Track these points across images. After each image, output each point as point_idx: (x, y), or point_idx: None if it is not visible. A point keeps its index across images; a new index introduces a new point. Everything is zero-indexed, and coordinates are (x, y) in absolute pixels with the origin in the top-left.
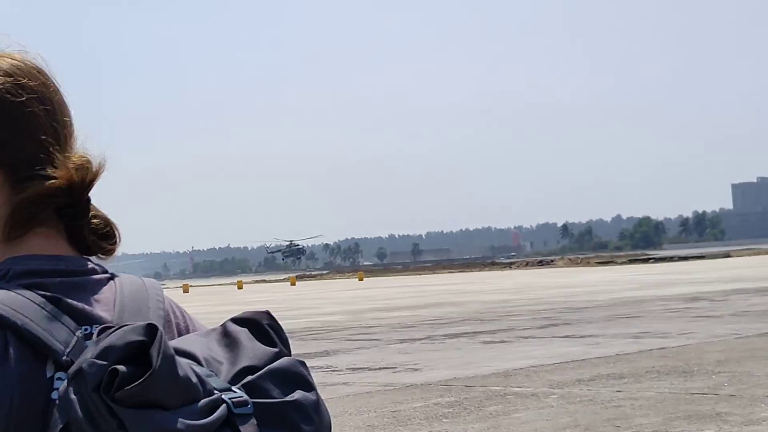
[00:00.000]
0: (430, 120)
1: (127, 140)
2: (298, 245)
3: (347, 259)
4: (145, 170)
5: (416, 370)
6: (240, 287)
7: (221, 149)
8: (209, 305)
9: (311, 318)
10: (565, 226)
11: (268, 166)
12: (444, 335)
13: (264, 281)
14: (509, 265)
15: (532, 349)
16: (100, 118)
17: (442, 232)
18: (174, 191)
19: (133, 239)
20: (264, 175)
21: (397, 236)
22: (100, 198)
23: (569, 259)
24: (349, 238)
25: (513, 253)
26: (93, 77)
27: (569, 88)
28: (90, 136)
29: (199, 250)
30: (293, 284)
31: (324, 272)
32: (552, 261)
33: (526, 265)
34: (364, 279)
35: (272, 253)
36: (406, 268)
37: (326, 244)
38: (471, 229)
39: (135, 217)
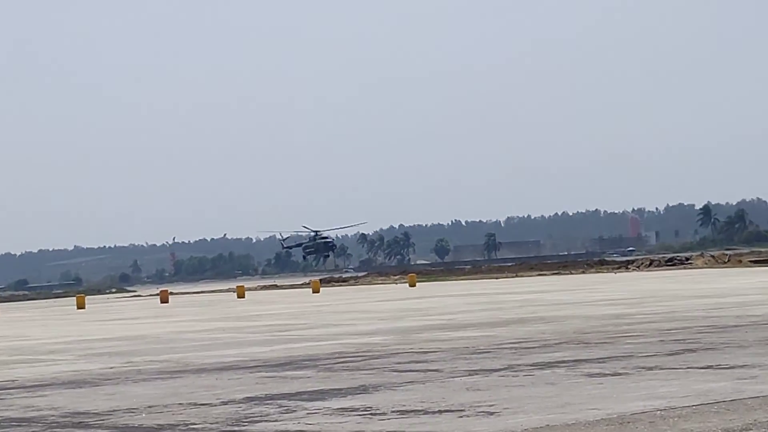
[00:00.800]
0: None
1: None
2: (326, 237)
3: (392, 255)
4: (104, 132)
5: (492, 414)
6: (241, 295)
7: (215, 94)
8: (195, 321)
9: (342, 339)
10: (706, 209)
11: (278, 124)
12: (531, 365)
13: (275, 286)
14: (625, 265)
15: (659, 386)
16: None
17: (527, 217)
18: (148, 161)
19: (92, 228)
20: (273, 139)
21: (463, 223)
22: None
23: (712, 257)
24: (395, 225)
25: (631, 248)
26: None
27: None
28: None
29: (182, 242)
30: (316, 291)
31: (359, 274)
32: (687, 259)
33: (650, 264)
34: (417, 284)
35: (288, 248)
36: (477, 269)
37: (362, 234)
38: (570, 214)
39: (94, 198)
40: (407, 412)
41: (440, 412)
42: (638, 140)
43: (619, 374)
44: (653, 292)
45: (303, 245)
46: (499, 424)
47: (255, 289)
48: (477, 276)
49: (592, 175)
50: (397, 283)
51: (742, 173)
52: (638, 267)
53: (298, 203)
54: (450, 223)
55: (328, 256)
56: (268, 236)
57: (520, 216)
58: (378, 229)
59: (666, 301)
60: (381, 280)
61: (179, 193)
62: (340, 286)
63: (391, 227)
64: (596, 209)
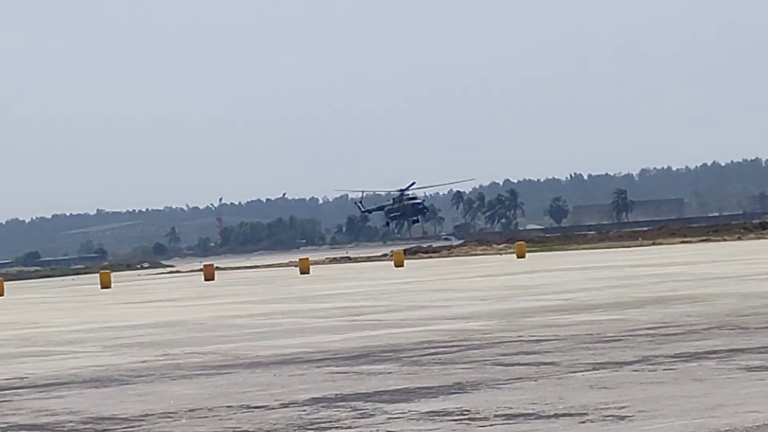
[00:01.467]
0: None
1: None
2: (415, 198)
3: (496, 219)
4: (133, 80)
5: (623, 418)
6: (304, 270)
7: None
8: (248, 303)
9: (432, 324)
10: None
11: (348, 61)
12: (673, 356)
13: (347, 259)
14: None
15: None
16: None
17: (667, 169)
18: (186, 101)
19: (118, 187)
20: (345, 74)
21: (585, 177)
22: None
23: None
24: (499, 181)
25: None
26: None
27: None
28: None
29: (231, 204)
30: (399, 264)
31: (453, 243)
32: None
33: None
34: (527, 255)
35: (368, 211)
36: (603, 235)
37: (457, 192)
38: (722, 164)
39: (120, 151)
40: (514, 416)
41: (556, 416)
42: None
43: None
44: None
45: (386, 208)
46: (631, 431)
47: (322, 262)
48: (603, 244)
49: (750, 113)
50: (501, 254)
51: None
52: None
53: (376, 154)
54: (568, 178)
55: (417, 221)
56: (339, 196)
57: (658, 168)
58: (477, 186)
59: None
60: (481, 249)
61: (226, 143)
62: (430, 258)
63: (494, 183)
64: (756, 158)
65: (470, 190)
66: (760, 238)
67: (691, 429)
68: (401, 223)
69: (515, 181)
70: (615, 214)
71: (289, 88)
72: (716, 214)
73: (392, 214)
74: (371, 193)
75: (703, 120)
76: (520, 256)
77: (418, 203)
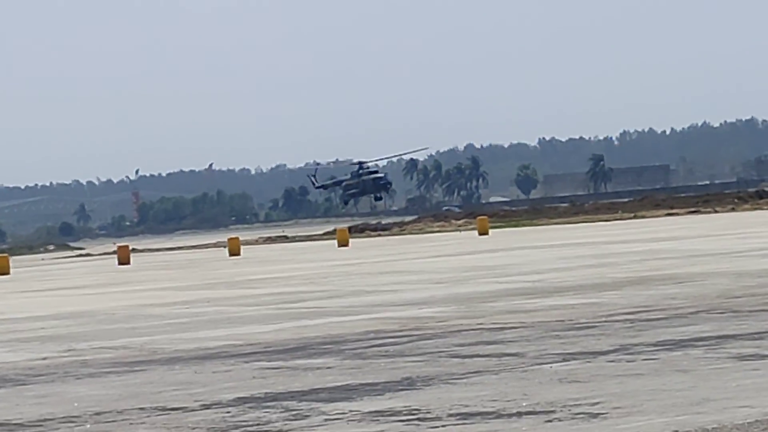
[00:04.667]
0: None
1: None
2: (375, 171)
3: (455, 190)
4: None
5: (595, 416)
6: (234, 252)
7: None
8: (168, 290)
9: (379, 312)
10: None
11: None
12: (655, 344)
13: (284, 238)
14: None
15: None
16: None
17: (650, 132)
18: (96, 62)
19: (16, 158)
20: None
21: (555, 142)
22: None
23: None
24: (459, 148)
25: None
26: None
27: None
28: None
29: (150, 176)
30: (343, 243)
31: (405, 219)
32: None
33: None
34: (490, 231)
35: (323, 186)
36: (578, 208)
37: (411, 160)
38: (713, 126)
39: (18, 114)
40: (471, 415)
41: (519, 414)
42: None
43: None
44: None
45: (343, 183)
46: (605, 430)
47: (255, 242)
48: (577, 218)
49: (743, 69)
50: (461, 231)
51: None
52: None
53: (318, 121)
54: (538, 143)
55: (380, 197)
56: (274, 166)
57: (640, 130)
58: (434, 153)
59: None
60: (438, 226)
61: (143, 108)
62: (379, 236)
63: (454, 150)
64: (751, 117)
65: (425, 157)
66: (756, 208)
67: (673, 427)
68: (358, 200)
69: (478, 146)
70: (591, 184)
71: (221, 48)
72: (707, 182)
73: (350, 191)
74: (324, 164)
75: (691, 76)
76: (483, 232)
77: (380, 178)
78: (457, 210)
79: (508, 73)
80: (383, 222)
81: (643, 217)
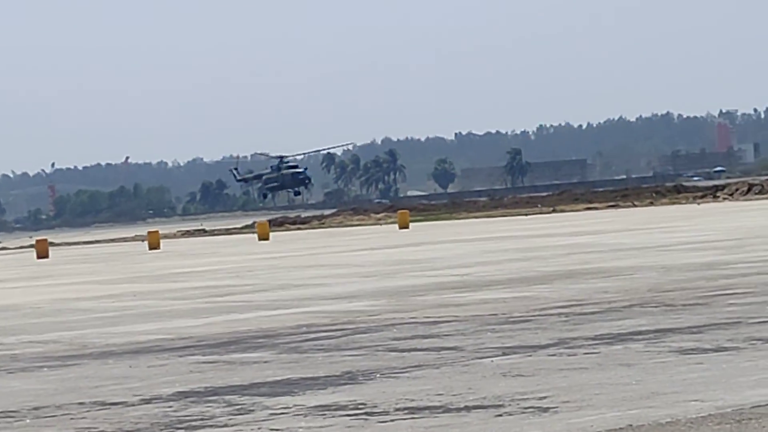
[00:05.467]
0: None
1: None
2: (295, 166)
3: (372, 184)
4: None
5: (546, 410)
6: (154, 245)
7: None
8: (90, 284)
9: (309, 305)
10: None
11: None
12: (593, 338)
13: (203, 232)
14: (713, 192)
15: None
16: None
17: (566, 126)
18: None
19: None
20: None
21: (471, 136)
22: None
23: None
24: (378, 140)
25: (719, 167)
26: None
27: None
28: None
29: (66, 169)
30: (264, 237)
31: (324, 212)
32: None
33: (749, 191)
34: (411, 225)
35: (244, 180)
36: (497, 202)
37: (328, 154)
38: (630, 120)
39: None
40: (419, 409)
41: (467, 408)
42: (726, 16)
43: (725, 349)
44: (758, 231)
45: (263, 177)
46: (557, 424)
47: (174, 236)
48: (497, 212)
49: (659, 64)
50: (381, 224)
51: None
52: (731, 194)
53: (235, 115)
54: (456, 137)
55: (299, 193)
56: (191, 160)
57: (557, 124)
58: (351, 147)
59: None
60: (358, 219)
61: (59, 100)
62: (299, 229)
63: (372, 144)
64: (667, 112)
65: (343, 151)
66: (674, 203)
67: (627, 421)
68: (276, 194)
69: (395, 139)
70: (509, 178)
71: (138, 37)
72: (623, 176)
73: (270, 185)
74: (242, 158)
75: (607, 71)
76: (403, 226)
77: (300, 172)
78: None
79: (425, 67)
80: (302, 216)
81: (562, 211)
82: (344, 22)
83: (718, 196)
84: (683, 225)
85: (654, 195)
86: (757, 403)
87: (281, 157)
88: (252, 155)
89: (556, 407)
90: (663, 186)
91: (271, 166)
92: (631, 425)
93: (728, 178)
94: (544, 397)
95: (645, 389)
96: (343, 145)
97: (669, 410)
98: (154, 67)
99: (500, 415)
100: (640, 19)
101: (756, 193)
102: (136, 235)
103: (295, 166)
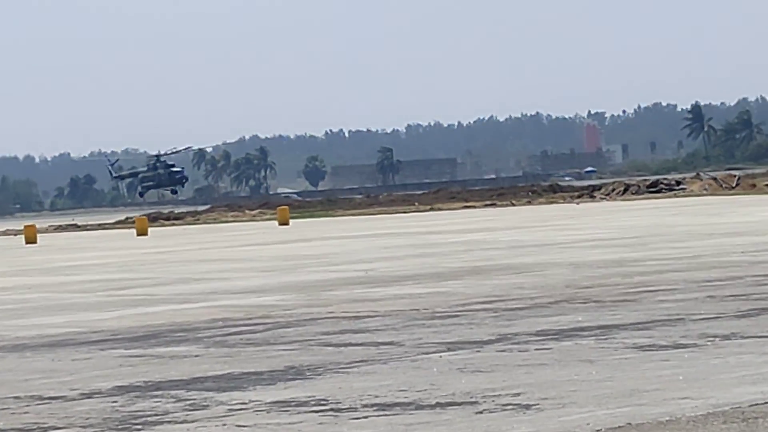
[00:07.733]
0: None
1: None
2: (172, 165)
3: (243, 181)
4: None
5: (528, 407)
6: (31, 239)
7: None
8: None
9: (217, 299)
10: (696, 112)
11: None
12: (535, 334)
13: (75, 226)
14: (589, 192)
15: (762, 362)
16: None
17: (436, 125)
18: None
19: None
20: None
21: (344, 134)
22: None
23: (713, 179)
24: (247, 137)
25: (590, 168)
26: None
27: None
28: None
29: None
30: (142, 233)
31: (198, 208)
32: (679, 183)
33: (625, 191)
34: (290, 221)
35: (120, 177)
36: (373, 200)
37: (199, 151)
38: (499, 120)
39: None
40: (388, 406)
41: (441, 405)
42: (595, 19)
43: (684, 346)
44: (652, 229)
45: (140, 175)
46: (549, 423)
47: (46, 231)
48: (373, 210)
49: (529, 65)
50: (256, 221)
51: (744, 65)
52: (608, 194)
53: (104, 110)
54: (326, 135)
55: (176, 192)
56: (58, 155)
57: (426, 124)
58: (221, 143)
59: (679, 241)
60: (233, 216)
61: None
62: (174, 225)
63: (240, 141)
64: (537, 113)
65: (212, 147)
66: (552, 202)
67: (623, 420)
68: (155, 193)
69: (263, 137)
70: (381, 176)
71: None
72: (493, 175)
73: (147, 183)
74: (107, 153)
75: (477, 71)
76: (283, 222)
77: (177, 171)
78: (297, 197)
79: (293, 65)
80: (176, 211)
81: (439, 209)
82: (219, 19)
83: (595, 196)
84: (571, 223)
85: (530, 194)
86: (754, 402)
87: (158, 156)
88: (122, 151)
89: (537, 404)
90: (539, 185)
91: (148, 165)
92: (629, 423)
93: (599, 178)
94: (518, 394)
95: (623, 386)
96: (211, 145)
97: (663, 408)
98: (21, 60)
99: (481, 413)
100: (513, 21)
101: (633, 193)
102: (7, 230)
103: (173, 165)
